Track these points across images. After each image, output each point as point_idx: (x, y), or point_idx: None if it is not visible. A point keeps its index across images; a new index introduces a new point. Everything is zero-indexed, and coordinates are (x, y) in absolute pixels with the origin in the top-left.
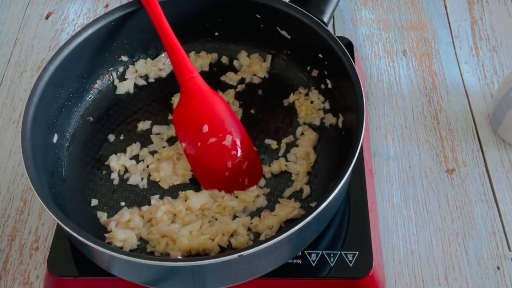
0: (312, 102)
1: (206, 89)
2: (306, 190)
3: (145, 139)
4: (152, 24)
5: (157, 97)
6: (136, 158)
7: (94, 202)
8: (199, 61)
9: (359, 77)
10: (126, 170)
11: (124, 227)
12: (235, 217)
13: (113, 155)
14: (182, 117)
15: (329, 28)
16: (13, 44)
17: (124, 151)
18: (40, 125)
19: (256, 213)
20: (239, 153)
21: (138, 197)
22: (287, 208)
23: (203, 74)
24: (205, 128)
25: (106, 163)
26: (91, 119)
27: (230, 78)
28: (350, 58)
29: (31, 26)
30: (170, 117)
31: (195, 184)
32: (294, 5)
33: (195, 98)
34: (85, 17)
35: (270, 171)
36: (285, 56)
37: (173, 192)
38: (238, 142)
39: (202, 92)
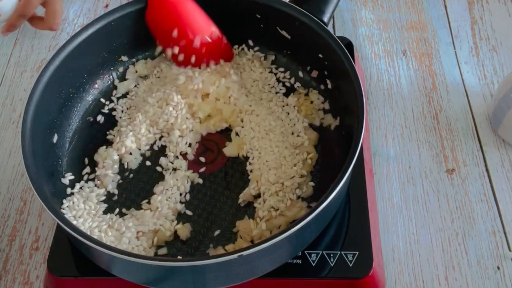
0: (312, 102)
1: None
2: (308, 190)
3: None
4: None
5: None
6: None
7: None
8: None
9: (359, 77)
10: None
11: None
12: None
13: (102, 147)
14: (151, 22)
15: (329, 28)
16: (13, 44)
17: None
18: (40, 125)
19: None
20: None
21: (137, 197)
22: (294, 208)
23: None
24: (175, 33)
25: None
26: (91, 119)
27: None
28: (350, 58)
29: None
30: None
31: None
32: (294, 5)
33: (161, 4)
34: (85, 17)
35: None
36: (285, 56)
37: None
38: (207, 39)
39: None
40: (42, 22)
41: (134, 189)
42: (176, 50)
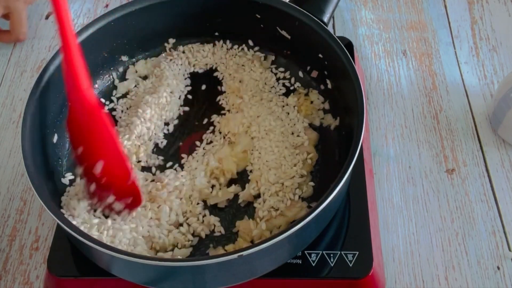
0: (312, 102)
1: (89, 107)
2: (308, 190)
3: None
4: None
5: None
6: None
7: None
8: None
9: (359, 77)
10: None
11: None
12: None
13: None
14: (68, 130)
15: (329, 28)
16: (13, 44)
17: None
18: (40, 125)
19: None
20: (109, 182)
21: None
22: (294, 208)
23: (202, 74)
24: (80, 150)
25: None
26: None
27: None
28: (350, 58)
29: (31, 26)
30: None
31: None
32: (294, 5)
33: (77, 116)
34: (85, 17)
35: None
36: (285, 56)
37: None
38: (109, 170)
39: (84, 110)
40: (8, 34)
41: None
42: (80, 171)
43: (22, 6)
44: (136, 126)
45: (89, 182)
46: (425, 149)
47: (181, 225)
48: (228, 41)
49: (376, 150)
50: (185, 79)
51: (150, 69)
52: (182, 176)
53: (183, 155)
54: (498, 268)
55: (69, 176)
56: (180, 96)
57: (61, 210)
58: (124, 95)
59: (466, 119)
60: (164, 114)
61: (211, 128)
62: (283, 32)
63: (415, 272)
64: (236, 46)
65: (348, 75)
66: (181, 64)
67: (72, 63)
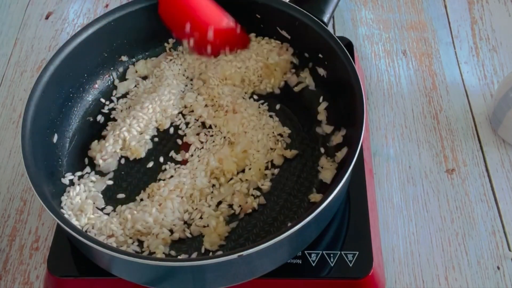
0: None
1: None
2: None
3: None
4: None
5: None
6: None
7: None
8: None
9: (359, 77)
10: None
11: None
12: None
13: (95, 141)
14: (165, 15)
15: (329, 28)
16: (13, 44)
17: None
18: (40, 125)
19: None
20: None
21: (136, 188)
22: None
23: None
24: (188, 27)
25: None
26: (91, 119)
27: None
28: (350, 58)
29: (31, 26)
30: None
31: None
32: (294, 5)
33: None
34: (85, 17)
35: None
36: None
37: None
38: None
39: None
40: None
41: (134, 188)
42: (192, 42)
43: None
44: (137, 125)
45: (203, 46)
46: (425, 149)
47: (183, 223)
48: None
49: (376, 150)
50: (185, 79)
51: (150, 69)
52: (182, 175)
53: (183, 155)
54: (498, 268)
55: (69, 176)
56: (180, 96)
57: (61, 210)
58: (124, 95)
59: (466, 119)
60: (164, 114)
61: (211, 128)
62: (283, 32)
63: (415, 272)
64: None
65: (348, 75)
66: (181, 64)
67: None
